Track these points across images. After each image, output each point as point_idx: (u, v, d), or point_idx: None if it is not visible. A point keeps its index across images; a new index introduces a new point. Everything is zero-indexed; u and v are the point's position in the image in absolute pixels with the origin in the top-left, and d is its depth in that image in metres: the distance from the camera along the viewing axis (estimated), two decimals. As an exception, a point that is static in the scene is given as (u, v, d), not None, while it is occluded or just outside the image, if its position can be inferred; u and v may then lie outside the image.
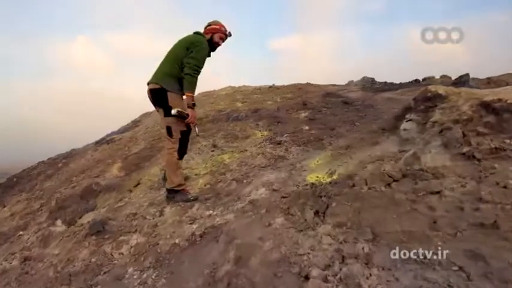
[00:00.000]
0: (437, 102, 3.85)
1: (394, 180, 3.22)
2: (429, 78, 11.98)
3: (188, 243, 3.70)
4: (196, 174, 5.40)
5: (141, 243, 3.93)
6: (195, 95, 4.51)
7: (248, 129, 7.09)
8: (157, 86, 4.42)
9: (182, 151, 4.48)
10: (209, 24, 4.65)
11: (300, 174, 4.64)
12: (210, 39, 4.59)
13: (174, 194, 4.57)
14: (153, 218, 4.36)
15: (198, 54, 4.31)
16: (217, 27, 4.62)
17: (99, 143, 9.96)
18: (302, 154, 5.65)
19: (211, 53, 4.66)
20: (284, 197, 3.89)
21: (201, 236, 3.72)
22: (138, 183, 6.05)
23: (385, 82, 11.10)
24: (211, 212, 4.21)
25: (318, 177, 4.34)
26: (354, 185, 3.40)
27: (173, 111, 4.30)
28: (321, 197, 3.50)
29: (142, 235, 4.08)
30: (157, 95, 4.42)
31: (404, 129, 3.93)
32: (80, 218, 5.44)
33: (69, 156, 9.84)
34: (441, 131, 3.39)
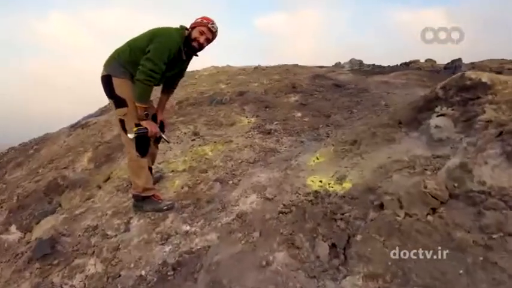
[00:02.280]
0: (481, 93, 2.74)
1: (441, 203, 2.14)
2: (414, 61, 10.95)
3: (157, 278, 2.59)
4: (172, 171, 4.23)
5: (97, 274, 2.79)
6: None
7: (233, 114, 5.91)
8: (104, 73, 3.21)
9: (143, 147, 3.30)
10: None
11: (298, 176, 3.53)
12: (188, 36, 3.28)
13: (142, 201, 3.41)
14: (116, 235, 3.20)
15: (155, 54, 3.03)
16: (198, 20, 3.29)
17: (74, 127, 8.60)
18: (296, 146, 4.53)
19: (194, 55, 3.44)
20: (283, 213, 2.79)
21: (174, 269, 2.61)
22: (108, 178, 4.85)
23: (374, 64, 10.01)
24: (188, 227, 3.08)
25: (321, 182, 3.24)
26: (382, 206, 2.31)
27: (130, 136, 3.16)
28: (335, 220, 2.41)
29: (101, 260, 2.94)
30: (104, 83, 3.21)
31: (436, 126, 2.83)
32: (38, 223, 4.23)
33: (42, 141, 8.45)
34: (500, 134, 2.29)
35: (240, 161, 4.18)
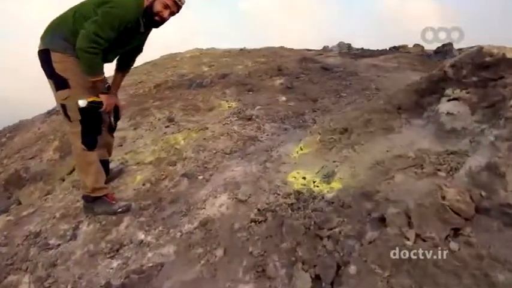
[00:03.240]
0: (505, 71, 2.07)
1: (466, 220, 1.49)
2: (402, 46, 10.22)
3: (94, 307, 1.92)
4: (137, 163, 3.53)
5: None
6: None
7: (213, 98, 5.17)
8: (41, 47, 2.45)
9: (91, 138, 2.58)
10: None
11: (278, 170, 2.85)
12: (148, 7, 2.50)
13: (92, 202, 2.71)
14: (58, 245, 2.51)
15: (104, 17, 2.27)
16: None
17: (50, 112, 7.77)
18: (279, 134, 3.84)
19: (154, 29, 2.68)
20: (256, 222, 2.11)
21: (115, 295, 1.95)
22: (73, 170, 4.11)
23: (362, 48, 9.26)
24: (143, 236, 2.40)
25: (305, 179, 2.57)
26: (384, 221, 1.64)
27: (80, 102, 2.39)
28: (320, 237, 1.75)
29: (34, 280, 2.25)
30: (42, 60, 2.45)
31: (448, 113, 2.16)
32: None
33: (16, 129, 7.64)
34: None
35: (214, 151, 3.48)
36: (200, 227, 2.26)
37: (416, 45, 10.27)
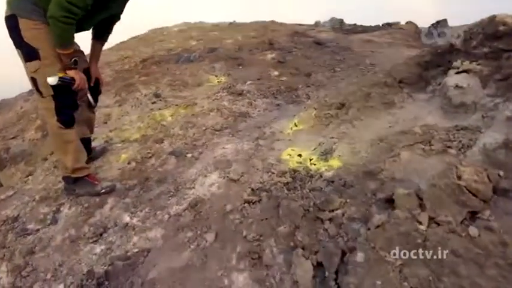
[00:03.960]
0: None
1: (483, 202, 1.32)
2: (394, 23, 9.96)
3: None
4: (122, 141, 3.30)
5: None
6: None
7: (201, 73, 4.90)
8: (8, 12, 2.13)
9: (66, 114, 2.32)
10: None
11: (272, 147, 2.67)
12: None
13: (73, 184, 2.49)
14: (37, 230, 2.30)
15: None
16: None
17: (33, 90, 7.34)
18: (271, 110, 3.64)
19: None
20: (250, 203, 1.93)
21: (99, 284, 1.77)
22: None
23: (355, 24, 8.96)
24: (128, 218, 2.21)
25: (301, 156, 2.39)
26: (391, 203, 1.47)
27: (50, 80, 2.11)
28: (321, 220, 1.57)
29: (12, 268, 2.06)
30: (9, 27, 2.15)
31: (457, 87, 1.97)
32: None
33: (-2, 108, 7.25)
34: None
35: (203, 128, 3.27)
36: (189, 208, 2.07)
37: (409, 23, 10.02)
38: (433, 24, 7.88)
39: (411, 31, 7.91)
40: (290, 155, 2.48)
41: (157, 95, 4.31)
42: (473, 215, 1.31)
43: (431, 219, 1.33)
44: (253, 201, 1.92)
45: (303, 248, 1.46)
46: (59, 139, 2.34)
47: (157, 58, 5.88)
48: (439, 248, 1.21)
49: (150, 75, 5.13)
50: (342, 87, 3.48)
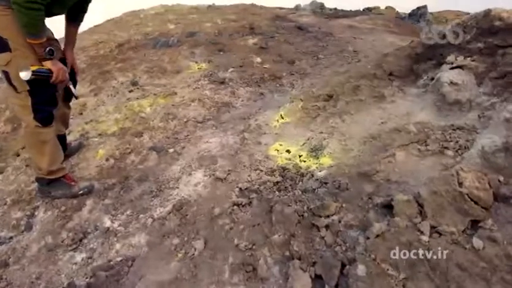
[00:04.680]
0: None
1: (484, 209, 1.27)
2: (374, 8, 9.90)
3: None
4: (99, 135, 3.10)
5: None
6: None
7: (180, 59, 4.68)
8: None
9: (45, 112, 2.09)
10: None
11: (258, 141, 2.57)
12: None
13: (48, 185, 2.31)
14: (10, 239, 2.11)
15: None
16: None
17: (2, 79, 6.89)
18: (255, 100, 3.51)
19: None
20: (239, 205, 1.83)
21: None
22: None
23: (336, 8, 8.82)
24: (109, 222, 2.07)
25: (289, 152, 2.30)
26: (390, 208, 1.40)
27: (23, 75, 1.88)
28: (317, 228, 1.49)
29: (-21, 279, 1.90)
30: None
31: (452, 83, 1.90)
32: None
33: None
34: None
35: (185, 119, 3.12)
36: (174, 211, 1.95)
37: (388, 7, 9.99)
38: (412, 10, 7.85)
39: (391, 16, 7.86)
40: (278, 150, 2.39)
41: (134, 83, 4.09)
42: (474, 224, 1.26)
43: (432, 228, 1.27)
44: (243, 203, 1.82)
45: (299, 259, 1.38)
46: (34, 138, 2.12)
47: (133, 43, 5.59)
48: (443, 261, 1.15)
49: (127, 62, 4.87)
50: (327, 77, 3.38)
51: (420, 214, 1.32)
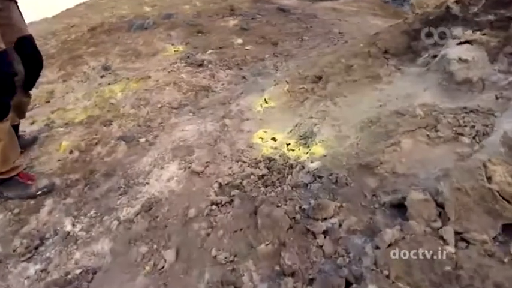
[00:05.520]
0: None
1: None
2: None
3: None
4: (66, 124, 2.71)
5: None
6: None
7: (156, 41, 4.27)
8: None
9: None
10: None
11: (240, 129, 2.25)
12: None
13: (0, 185, 1.92)
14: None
15: None
16: None
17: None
18: (237, 83, 3.17)
19: None
20: (218, 205, 1.52)
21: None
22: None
23: (318, -11, 8.44)
24: (70, 226, 1.73)
25: (275, 140, 2.00)
26: (401, 208, 1.12)
27: None
28: (314, 235, 1.20)
29: None
30: None
31: (460, 60, 1.61)
32: None
33: None
34: None
35: (159, 105, 2.76)
36: (143, 212, 1.62)
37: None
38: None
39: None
40: (262, 138, 2.08)
41: (106, 68, 3.69)
42: (506, 228, 0.99)
43: (457, 234, 0.99)
44: (223, 202, 1.51)
45: (292, 275, 1.08)
46: None
47: (107, 26, 5.11)
48: (478, 280, 0.87)
49: (99, 46, 4.43)
50: (314, 58, 3.07)
51: (440, 216, 1.04)
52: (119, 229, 1.60)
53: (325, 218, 1.23)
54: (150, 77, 3.20)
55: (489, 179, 1.03)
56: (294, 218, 1.26)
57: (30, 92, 2.20)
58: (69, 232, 1.70)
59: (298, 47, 3.89)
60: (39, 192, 1.92)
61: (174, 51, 3.94)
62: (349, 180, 1.36)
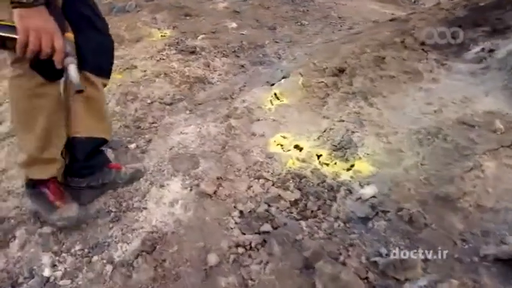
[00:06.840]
0: None
1: None
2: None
3: None
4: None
5: None
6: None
7: (140, 26, 3.72)
8: None
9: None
10: None
11: (252, 132, 1.84)
12: None
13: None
14: None
15: None
16: None
17: None
18: (236, 74, 2.73)
19: None
20: (246, 248, 1.12)
21: None
22: None
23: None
24: (49, 267, 1.28)
25: (300, 150, 1.60)
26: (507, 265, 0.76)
27: None
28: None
29: None
30: None
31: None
32: None
33: None
34: None
35: (149, 101, 2.29)
36: (143, 253, 1.20)
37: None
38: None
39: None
40: (282, 145, 1.67)
41: (83, 54, 3.11)
42: None
43: None
44: (252, 244, 1.10)
45: None
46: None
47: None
48: None
49: (73, 28, 3.81)
50: (324, 46, 2.65)
51: None
52: (114, 277, 1.17)
53: (406, 279, 0.86)
54: (136, 67, 2.70)
55: None
56: (366, 278, 0.88)
57: None
58: (48, 278, 1.26)
59: (299, 32, 3.45)
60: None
61: (161, 36, 3.41)
62: (429, 220, 0.98)
